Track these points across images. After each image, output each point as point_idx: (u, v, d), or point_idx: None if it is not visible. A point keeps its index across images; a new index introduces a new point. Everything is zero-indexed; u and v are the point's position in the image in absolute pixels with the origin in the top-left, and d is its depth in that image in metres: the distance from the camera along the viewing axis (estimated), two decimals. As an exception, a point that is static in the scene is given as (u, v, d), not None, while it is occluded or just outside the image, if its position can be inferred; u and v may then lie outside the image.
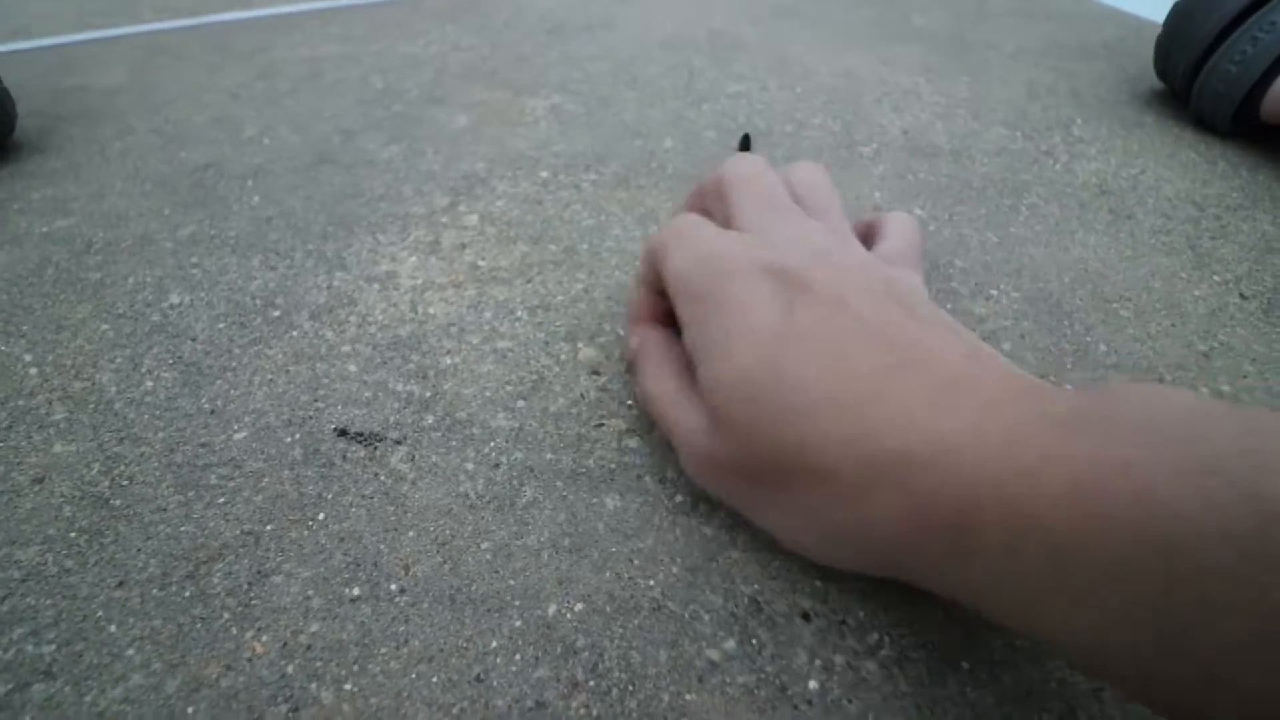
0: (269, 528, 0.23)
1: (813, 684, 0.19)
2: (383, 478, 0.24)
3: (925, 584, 0.17)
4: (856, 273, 0.20)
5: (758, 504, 0.20)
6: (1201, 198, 0.38)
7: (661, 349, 0.23)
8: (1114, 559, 0.13)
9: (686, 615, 0.20)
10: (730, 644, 0.20)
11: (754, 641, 0.20)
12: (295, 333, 0.30)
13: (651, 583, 0.21)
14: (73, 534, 0.23)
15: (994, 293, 0.32)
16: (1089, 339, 0.29)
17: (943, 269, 0.33)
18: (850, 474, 0.17)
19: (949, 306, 0.31)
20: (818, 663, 0.19)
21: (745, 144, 0.41)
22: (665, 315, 0.24)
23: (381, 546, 0.22)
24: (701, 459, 0.20)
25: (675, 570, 0.21)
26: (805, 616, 0.20)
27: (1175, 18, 0.44)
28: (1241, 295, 0.31)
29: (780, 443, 0.18)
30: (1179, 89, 0.44)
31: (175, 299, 0.32)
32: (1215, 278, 0.32)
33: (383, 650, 0.20)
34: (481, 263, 0.34)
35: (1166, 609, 0.12)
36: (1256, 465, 0.12)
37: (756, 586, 0.21)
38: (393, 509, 0.23)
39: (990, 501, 0.14)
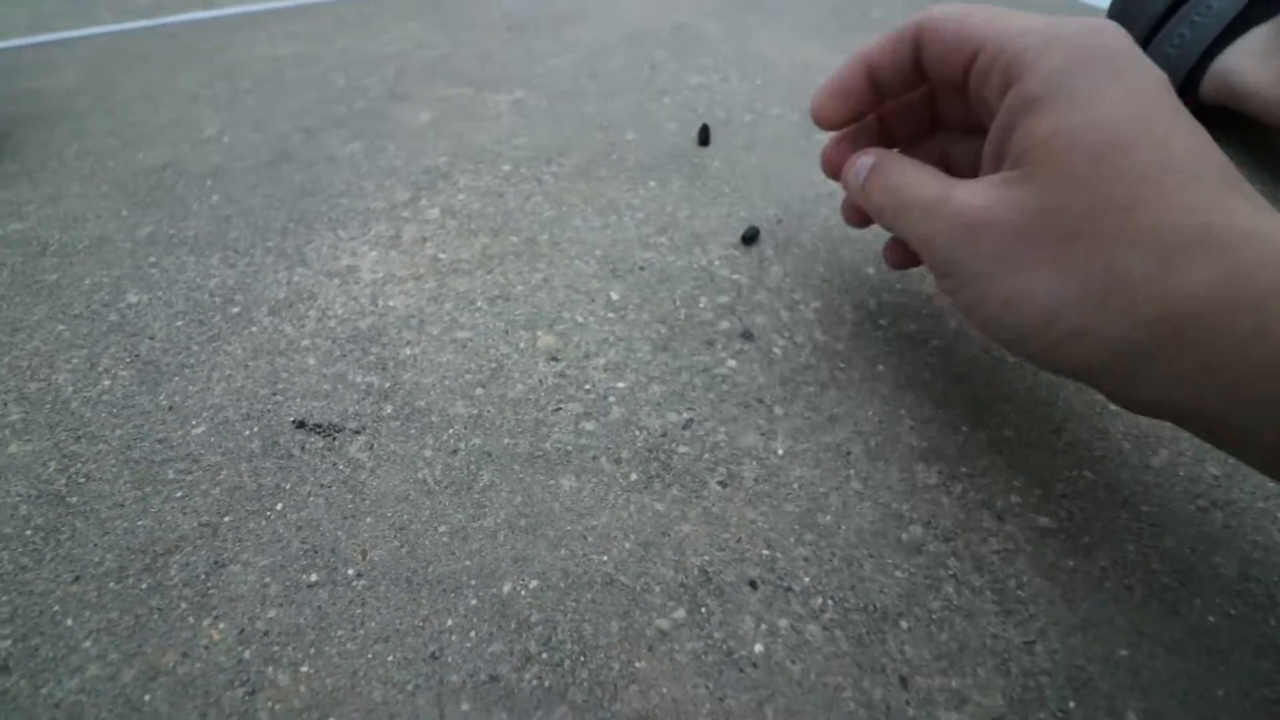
0: (227, 519, 0.23)
1: (758, 647, 0.19)
2: (341, 467, 0.24)
3: (1157, 379, 0.18)
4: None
5: (1024, 263, 0.19)
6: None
7: (904, 158, 0.24)
8: None
9: (638, 588, 0.21)
10: (680, 613, 0.20)
11: (703, 610, 0.20)
12: (254, 328, 0.30)
13: (605, 558, 0.22)
14: (29, 532, 0.23)
15: (942, 273, 0.32)
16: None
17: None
18: (1177, 234, 0.17)
19: (898, 286, 0.31)
20: (763, 627, 0.20)
21: (704, 134, 0.42)
22: (865, 108, 0.26)
23: (339, 533, 0.22)
24: (978, 219, 0.20)
25: (628, 545, 0.22)
26: (752, 584, 0.21)
27: (1117, 3, 0.45)
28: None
29: (1128, 196, 0.18)
30: (1123, 73, 0.46)
31: (133, 298, 0.32)
32: (1154, 253, 0.34)
33: (339, 633, 0.20)
34: (442, 255, 0.34)
35: None
36: None
37: (706, 558, 0.21)
38: (351, 497, 0.23)
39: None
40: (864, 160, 0.25)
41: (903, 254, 0.28)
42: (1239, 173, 0.18)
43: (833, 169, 0.28)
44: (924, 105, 0.27)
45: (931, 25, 0.23)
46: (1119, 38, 0.20)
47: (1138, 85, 0.19)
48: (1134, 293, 0.17)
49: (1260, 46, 0.39)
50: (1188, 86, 0.42)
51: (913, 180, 0.23)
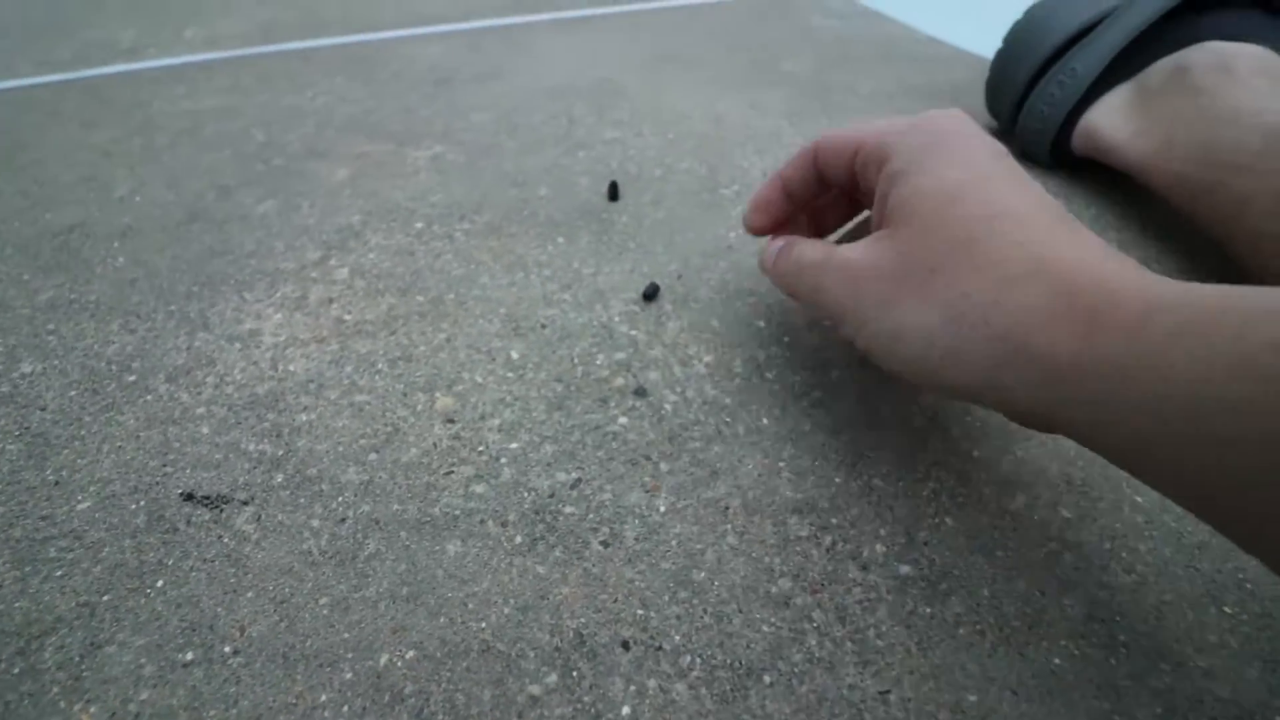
0: (105, 598, 0.23)
1: (625, 710, 0.20)
2: (226, 540, 0.25)
3: (1019, 390, 0.20)
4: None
5: (896, 301, 0.23)
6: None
7: (808, 240, 0.29)
8: (1222, 384, 0.16)
9: (513, 654, 0.21)
10: (552, 678, 0.21)
11: (574, 673, 0.21)
12: (149, 397, 0.30)
13: (483, 624, 0.22)
14: (-104, 620, 0.22)
15: (830, 324, 0.34)
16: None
17: (789, 304, 0.35)
18: (1012, 265, 0.20)
19: (786, 339, 0.33)
20: (632, 689, 0.21)
21: (613, 190, 0.44)
22: (787, 215, 0.32)
23: (219, 609, 0.23)
24: (859, 272, 0.24)
25: (507, 610, 0.22)
26: (625, 645, 0.22)
27: (998, 62, 0.48)
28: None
29: (965, 235, 0.22)
30: (1006, 126, 0.49)
31: (27, 368, 0.32)
32: (1026, 301, 0.36)
33: (211, 713, 0.20)
34: (347, 317, 0.34)
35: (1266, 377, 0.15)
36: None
37: (583, 620, 0.22)
38: (233, 571, 0.24)
39: (1125, 291, 0.18)
40: (775, 245, 0.30)
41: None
42: (1070, 216, 0.22)
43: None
44: (846, 200, 0.33)
45: (825, 139, 0.29)
46: (963, 123, 0.25)
47: (974, 155, 0.24)
48: (982, 313, 0.21)
49: (1119, 106, 0.42)
50: (1060, 139, 0.45)
51: (808, 249, 0.28)
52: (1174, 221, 0.40)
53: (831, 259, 0.26)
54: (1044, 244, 0.21)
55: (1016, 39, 0.48)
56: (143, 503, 0.26)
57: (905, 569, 0.24)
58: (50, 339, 0.33)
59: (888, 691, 0.21)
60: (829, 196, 0.32)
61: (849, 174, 0.28)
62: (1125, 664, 0.22)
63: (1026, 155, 0.48)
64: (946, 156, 0.24)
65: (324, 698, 0.20)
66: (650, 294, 0.35)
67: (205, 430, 0.28)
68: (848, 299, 0.25)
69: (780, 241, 0.30)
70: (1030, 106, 0.46)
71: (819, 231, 0.34)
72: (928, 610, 0.23)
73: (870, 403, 0.30)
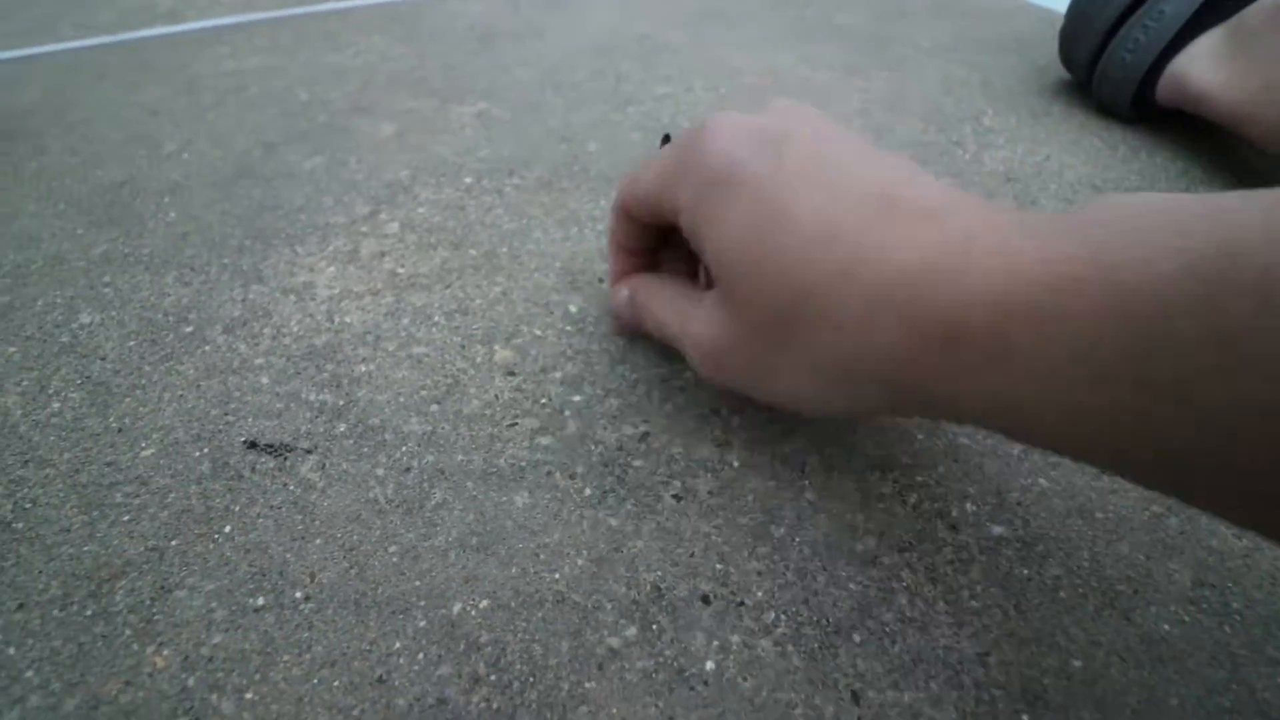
0: (174, 543, 0.23)
1: (709, 665, 0.19)
2: (291, 487, 0.24)
3: (920, 410, 0.19)
4: (822, 117, 0.22)
5: (767, 370, 0.20)
6: (1102, 181, 0.40)
7: (655, 281, 0.26)
8: (1088, 323, 0.14)
9: (589, 605, 0.21)
10: (631, 631, 0.20)
11: (654, 627, 0.20)
12: (208, 347, 0.30)
13: (557, 576, 0.21)
14: (-30, 561, 0.22)
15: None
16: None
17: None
18: (854, 305, 0.17)
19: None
20: (715, 644, 0.20)
21: (667, 143, 0.42)
22: (641, 254, 0.27)
23: (288, 555, 0.22)
24: (713, 350, 0.21)
25: (580, 562, 0.22)
26: (705, 600, 0.21)
27: (1074, 9, 0.45)
28: (1134, 272, 0.33)
29: (786, 287, 0.18)
30: (1082, 78, 0.46)
31: (85, 319, 0.31)
32: (1110, 257, 0.34)
33: (285, 658, 0.20)
34: (400, 270, 0.34)
35: (1139, 358, 0.13)
36: (1221, 221, 0.13)
37: (659, 573, 0.21)
38: (300, 518, 0.23)
39: (979, 305, 0.15)
40: (623, 294, 0.27)
41: None
42: (905, 170, 0.19)
43: None
44: None
45: (625, 199, 0.25)
46: (733, 141, 0.20)
47: (755, 184, 0.19)
48: (846, 366, 0.18)
49: (1212, 50, 0.39)
50: (1144, 89, 0.42)
51: (659, 312, 0.24)
52: (1271, 176, 0.38)
53: (685, 338, 0.23)
54: (872, 261, 0.17)
55: (1096, -19, 0.45)
56: (206, 450, 0.25)
57: (998, 530, 0.22)
58: (107, 291, 0.33)
59: (986, 654, 0.20)
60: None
61: (660, 224, 0.24)
62: (1240, 633, 0.20)
63: (1105, 107, 0.45)
64: (725, 200, 0.20)
65: (398, 645, 0.20)
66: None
67: (265, 380, 0.28)
68: (724, 379, 0.22)
69: (625, 289, 0.26)
70: (1111, 54, 0.43)
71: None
72: (1024, 572, 0.21)
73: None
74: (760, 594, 0.21)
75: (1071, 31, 0.46)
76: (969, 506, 0.23)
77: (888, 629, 0.20)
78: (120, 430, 0.26)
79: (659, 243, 0.27)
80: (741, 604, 0.21)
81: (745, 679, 0.19)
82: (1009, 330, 0.15)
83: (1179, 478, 0.14)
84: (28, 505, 0.24)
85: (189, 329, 0.31)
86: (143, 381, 0.28)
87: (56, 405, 0.27)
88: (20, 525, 0.23)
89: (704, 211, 0.20)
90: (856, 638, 0.20)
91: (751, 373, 0.21)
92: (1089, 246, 0.14)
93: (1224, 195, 0.14)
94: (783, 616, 0.20)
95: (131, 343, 0.30)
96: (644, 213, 0.24)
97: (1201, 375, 0.12)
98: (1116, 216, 0.15)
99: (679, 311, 0.23)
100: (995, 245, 0.16)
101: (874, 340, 0.17)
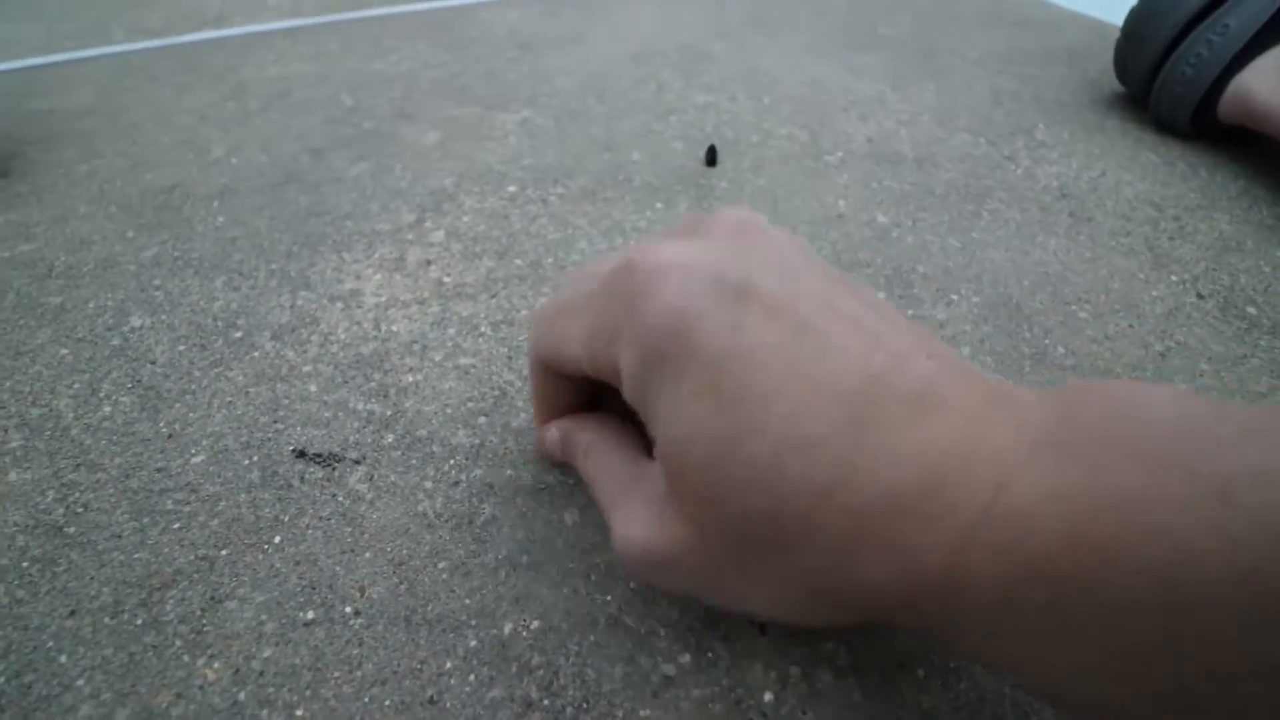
0: (224, 552, 0.23)
1: (768, 696, 0.19)
2: (340, 498, 0.24)
3: (923, 635, 0.17)
4: (783, 244, 0.18)
5: (722, 587, 0.17)
6: (1160, 199, 0.38)
7: (594, 427, 0.21)
8: (1116, 599, 0.12)
9: (643, 630, 0.20)
10: (686, 658, 0.19)
11: (709, 655, 0.20)
12: (256, 354, 0.30)
13: (609, 598, 0.21)
14: (25, 563, 0.23)
15: (955, 297, 0.32)
16: (1047, 341, 0.29)
17: (905, 275, 0.33)
18: (833, 531, 0.14)
19: (910, 312, 0.31)
20: (773, 674, 0.19)
21: (711, 155, 0.42)
22: (574, 406, 0.22)
23: (337, 569, 0.22)
24: (649, 552, 0.17)
25: (633, 585, 0.21)
26: (761, 628, 0.20)
27: (1132, 22, 0.44)
28: (1198, 295, 0.32)
29: (754, 499, 0.15)
30: (1138, 92, 0.45)
31: (136, 322, 0.32)
32: (1173, 278, 0.33)
33: (336, 674, 0.19)
34: (446, 279, 0.33)
35: (1171, 650, 0.11)
36: (1264, 484, 0.11)
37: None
38: (350, 530, 0.23)
39: (984, 550, 0.13)
40: (552, 434, 0.22)
41: None
42: (889, 321, 0.16)
43: None
44: None
45: (542, 361, 0.21)
46: (675, 297, 0.16)
47: (707, 364, 0.15)
48: (833, 597, 0.15)
49: (1279, 66, 0.38)
50: (1205, 106, 0.41)
51: (594, 476, 0.20)
52: (1342, 194, 0.36)
53: (620, 540, 0.18)
54: (856, 477, 0.14)
55: (1156, -7, 0.43)
56: (255, 458, 0.25)
57: (1065, 562, 0.22)
58: (157, 294, 0.33)
59: (1057, 695, 0.19)
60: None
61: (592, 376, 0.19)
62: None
63: (1162, 122, 0.44)
64: (676, 373, 0.16)
65: (449, 664, 0.19)
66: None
67: (313, 388, 0.28)
68: (660, 585, 0.18)
69: (555, 430, 0.22)
70: (1171, 68, 0.42)
71: None
72: (1094, 608, 0.20)
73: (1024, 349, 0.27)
74: (819, 624, 0.20)
75: (1129, 44, 0.45)
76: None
77: (951, 665, 0.19)
78: (170, 436, 0.26)
79: (595, 389, 0.22)
80: (800, 634, 0.20)
81: (805, 712, 0.18)
82: (1015, 586, 0.13)
83: None
84: (79, 510, 0.24)
85: (238, 334, 0.31)
86: (192, 387, 0.28)
87: (108, 409, 0.28)
88: (72, 530, 0.24)
89: (652, 386, 0.16)
90: (920, 672, 0.19)
91: (703, 586, 0.17)
92: (1110, 497, 0.12)
93: (1249, 417, 0.12)
94: (843, 648, 0.20)
95: (181, 347, 0.30)
96: (572, 370, 0.20)
97: (1233, 670, 0.11)
98: (1137, 438, 0.13)
99: (617, 486, 0.19)
100: (997, 477, 0.13)
101: (861, 571, 0.14)
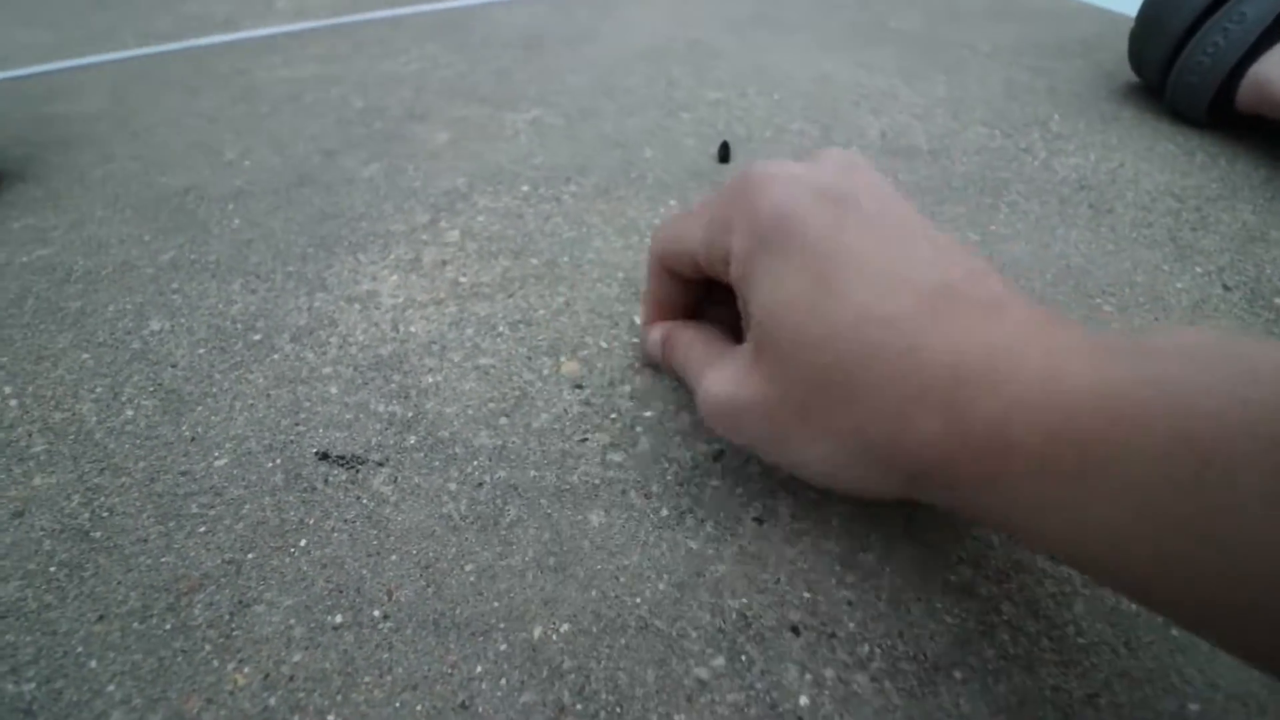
0: (250, 556, 0.23)
1: (803, 699, 0.18)
2: (365, 501, 0.24)
3: (952, 506, 0.17)
4: (880, 178, 0.20)
5: (787, 437, 0.19)
6: (1181, 189, 0.38)
7: (691, 328, 0.24)
8: (1145, 460, 0.13)
9: (674, 633, 0.20)
10: (719, 661, 0.19)
11: (743, 658, 0.19)
12: (276, 356, 0.30)
13: (638, 600, 0.21)
14: (52, 568, 0.23)
15: (977, 293, 0.31)
16: (1073, 336, 0.29)
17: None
18: (899, 391, 0.16)
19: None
20: (808, 677, 0.19)
21: (724, 151, 0.41)
22: (681, 310, 0.26)
23: (364, 572, 0.22)
24: (731, 402, 0.20)
25: (662, 587, 0.21)
26: (794, 630, 0.20)
27: (1147, 12, 0.44)
28: (1224, 286, 0.31)
29: (831, 354, 0.17)
30: (1154, 82, 0.44)
31: (155, 325, 0.32)
32: (1197, 269, 0.32)
33: (366, 679, 0.19)
34: (463, 279, 0.33)
35: (1197, 507, 0.12)
36: None
37: (744, 600, 0.21)
38: (375, 533, 0.23)
39: (1027, 416, 0.15)
40: (655, 335, 0.26)
41: None
42: (965, 258, 0.18)
43: None
44: None
45: (662, 252, 0.24)
46: (796, 196, 0.19)
47: (817, 244, 0.18)
48: (878, 451, 0.17)
49: (1301, 55, 0.38)
50: (1222, 96, 0.40)
51: (685, 353, 0.23)
52: (1368, 183, 0.36)
53: (703, 393, 0.21)
54: (926, 350, 0.16)
55: (1172, -17, 0.43)
56: (279, 461, 0.25)
57: (1099, 559, 0.21)
58: (175, 297, 0.33)
59: (1096, 695, 0.18)
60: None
61: (704, 273, 0.23)
62: (1371, 678, 0.19)
63: (1179, 112, 0.43)
64: (781, 254, 0.18)
65: (479, 669, 0.19)
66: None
67: (334, 390, 0.28)
68: (732, 436, 0.21)
69: (658, 331, 0.26)
70: (1187, 58, 0.41)
71: None
72: (1131, 608, 0.20)
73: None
74: (852, 625, 0.20)
75: (1143, 34, 0.44)
76: (1066, 535, 0.22)
77: (990, 666, 0.19)
78: (193, 439, 0.26)
79: (700, 299, 0.26)
80: (833, 635, 0.20)
81: (842, 715, 0.18)
82: (1054, 451, 0.14)
83: (1217, 627, 0.13)
84: (105, 514, 0.24)
85: (257, 337, 0.31)
86: (214, 390, 0.28)
87: (130, 413, 0.28)
88: (98, 534, 0.23)
89: (757, 262, 0.19)
90: (958, 675, 0.19)
91: (770, 435, 0.20)
92: (1150, 380, 0.13)
93: None
94: (877, 650, 0.19)
95: (201, 350, 0.30)
96: (687, 266, 0.23)
97: (1258, 534, 0.12)
98: (1180, 348, 0.14)
99: (706, 355, 0.22)
100: (1048, 363, 0.15)
101: (913, 430, 0.16)
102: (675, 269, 0.24)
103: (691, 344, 0.23)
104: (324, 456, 0.25)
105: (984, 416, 0.15)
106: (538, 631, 0.20)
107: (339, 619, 0.21)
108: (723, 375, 0.20)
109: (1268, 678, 0.19)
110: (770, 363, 0.19)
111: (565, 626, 0.20)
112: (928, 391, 0.16)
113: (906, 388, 0.16)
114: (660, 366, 0.26)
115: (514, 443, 0.26)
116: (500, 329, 0.31)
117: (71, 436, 0.27)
